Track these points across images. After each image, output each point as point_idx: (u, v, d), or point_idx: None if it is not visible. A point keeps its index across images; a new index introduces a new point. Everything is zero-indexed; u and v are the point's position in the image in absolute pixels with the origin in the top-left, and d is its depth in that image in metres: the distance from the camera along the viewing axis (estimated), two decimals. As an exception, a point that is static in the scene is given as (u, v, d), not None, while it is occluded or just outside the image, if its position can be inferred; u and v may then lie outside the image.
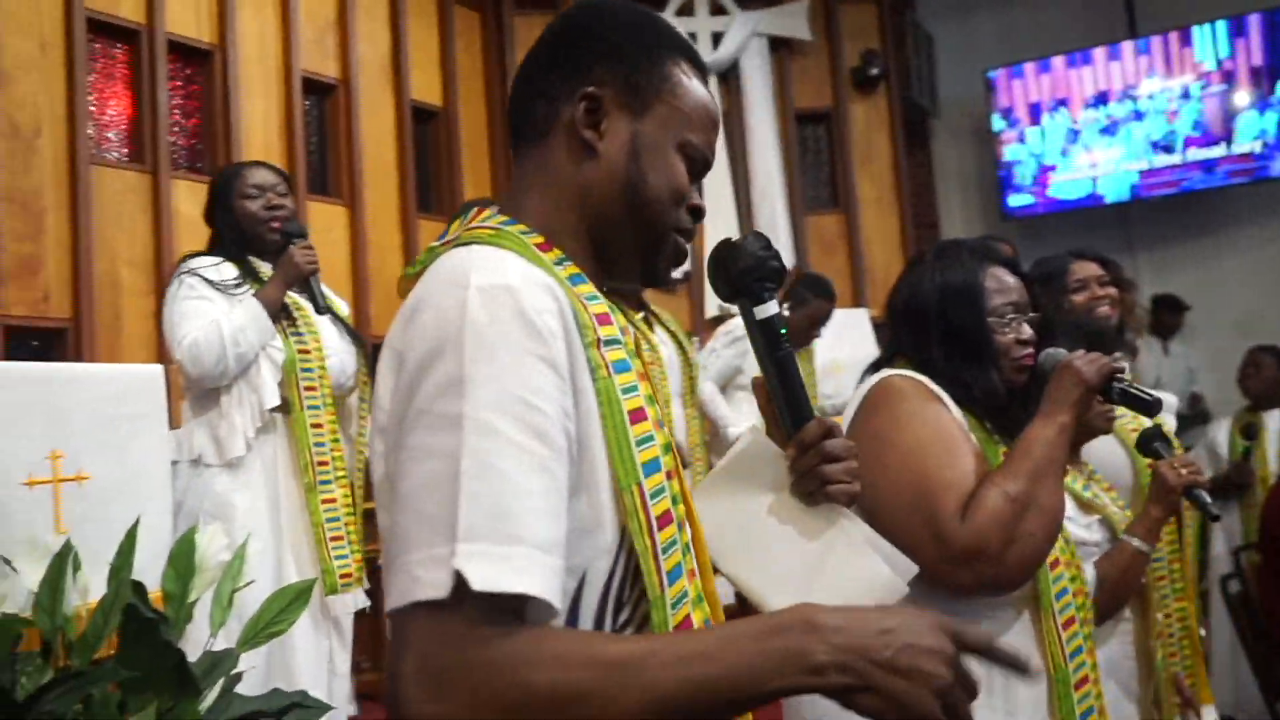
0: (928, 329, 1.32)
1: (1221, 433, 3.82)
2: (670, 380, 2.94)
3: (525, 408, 0.63)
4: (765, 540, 0.82)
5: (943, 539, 1.13)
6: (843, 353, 3.58)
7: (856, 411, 1.30)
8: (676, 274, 5.41)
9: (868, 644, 0.60)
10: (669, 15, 4.98)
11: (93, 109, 3.33)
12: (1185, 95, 5.15)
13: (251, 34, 3.64)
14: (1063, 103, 5.39)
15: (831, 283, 3.37)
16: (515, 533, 0.60)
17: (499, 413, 0.62)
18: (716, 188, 4.97)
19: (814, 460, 0.82)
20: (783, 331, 0.85)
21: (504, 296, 0.66)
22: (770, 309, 0.84)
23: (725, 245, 0.86)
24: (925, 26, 5.64)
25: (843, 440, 0.84)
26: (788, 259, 4.94)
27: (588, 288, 0.74)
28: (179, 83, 3.64)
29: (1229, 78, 5.08)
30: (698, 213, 0.82)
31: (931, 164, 5.85)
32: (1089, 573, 1.54)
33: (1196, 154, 5.13)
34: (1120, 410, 1.86)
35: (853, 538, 0.82)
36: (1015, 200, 5.49)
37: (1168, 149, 5.18)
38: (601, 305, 0.74)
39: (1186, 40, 5.14)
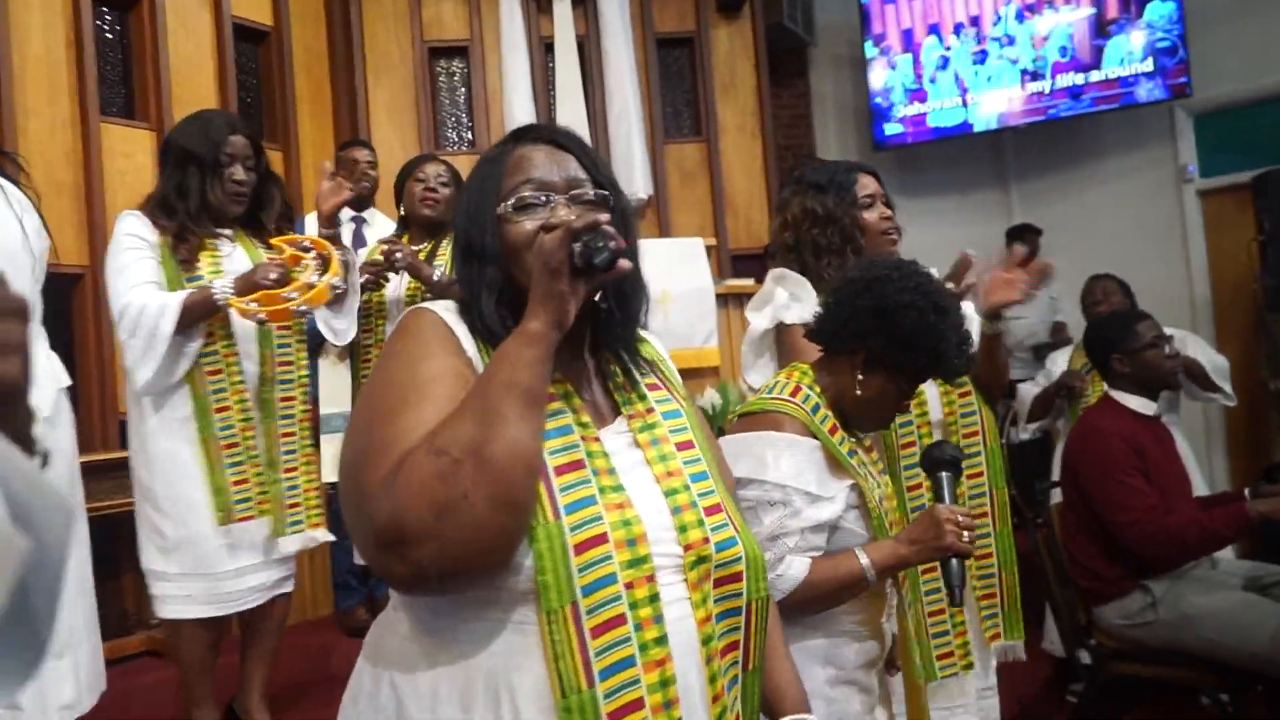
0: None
1: (1059, 363, 3.76)
2: None
3: None
4: None
5: (368, 516, 0.82)
6: (673, 283, 3.34)
7: None
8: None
9: None
10: (523, -63, 4.85)
11: None
12: (1054, 20, 5.06)
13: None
14: (934, 29, 5.29)
15: None
16: None
17: None
18: (570, 115, 4.89)
19: None
20: None
21: None
22: None
23: None
24: (803, -49, 5.51)
25: None
26: (645, 188, 4.87)
27: None
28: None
29: (1097, 1, 4.98)
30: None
31: (810, 93, 5.77)
32: (799, 565, 1.31)
33: (1064, 80, 5.05)
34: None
35: None
36: (889, 129, 5.42)
37: (1036, 76, 5.10)
38: None
39: (1058, -38, 5.04)
